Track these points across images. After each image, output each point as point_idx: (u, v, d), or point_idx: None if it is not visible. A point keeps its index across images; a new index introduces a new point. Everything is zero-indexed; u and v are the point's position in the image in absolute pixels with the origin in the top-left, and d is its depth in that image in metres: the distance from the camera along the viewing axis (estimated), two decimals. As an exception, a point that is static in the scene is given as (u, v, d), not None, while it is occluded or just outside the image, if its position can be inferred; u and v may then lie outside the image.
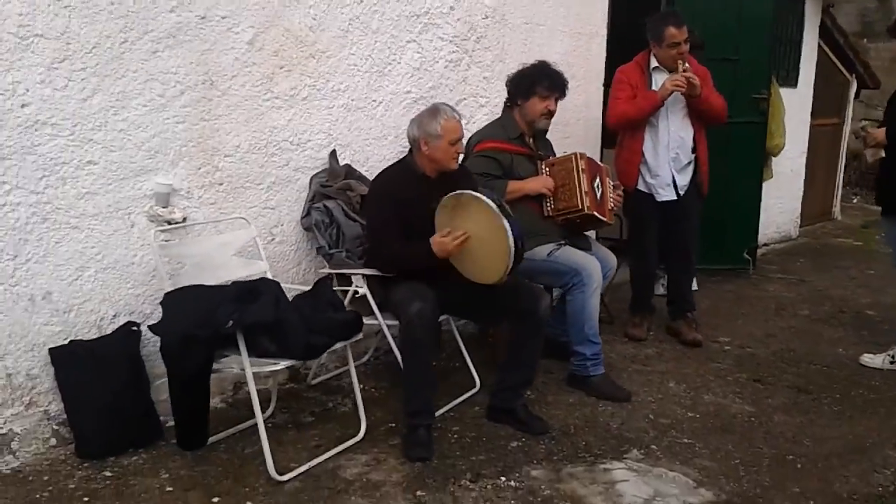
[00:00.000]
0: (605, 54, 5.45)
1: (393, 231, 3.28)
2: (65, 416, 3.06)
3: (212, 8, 3.32)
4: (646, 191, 4.33)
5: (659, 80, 4.24)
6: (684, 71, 4.11)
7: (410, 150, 3.41)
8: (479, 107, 4.58)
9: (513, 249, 3.02)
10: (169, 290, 2.98)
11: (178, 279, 3.11)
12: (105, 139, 3.08)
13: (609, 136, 5.67)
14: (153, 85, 3.19)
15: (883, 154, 3.98)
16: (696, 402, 3.72)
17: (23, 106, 2.85)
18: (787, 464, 3.14)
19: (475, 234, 3.12)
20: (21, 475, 2.87)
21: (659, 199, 4.31)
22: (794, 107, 7.23)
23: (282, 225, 3.73)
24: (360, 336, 3.14)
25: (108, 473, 2.91)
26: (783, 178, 7.38)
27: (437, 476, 2.94)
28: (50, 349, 3.01)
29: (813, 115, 7.97)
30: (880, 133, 3.93)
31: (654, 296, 4.76)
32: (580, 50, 5.23)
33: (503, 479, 2.94)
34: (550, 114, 3.89)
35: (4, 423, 2.94)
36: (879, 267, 6.76)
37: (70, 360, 3.00)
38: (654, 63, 4.28)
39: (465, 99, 4.49)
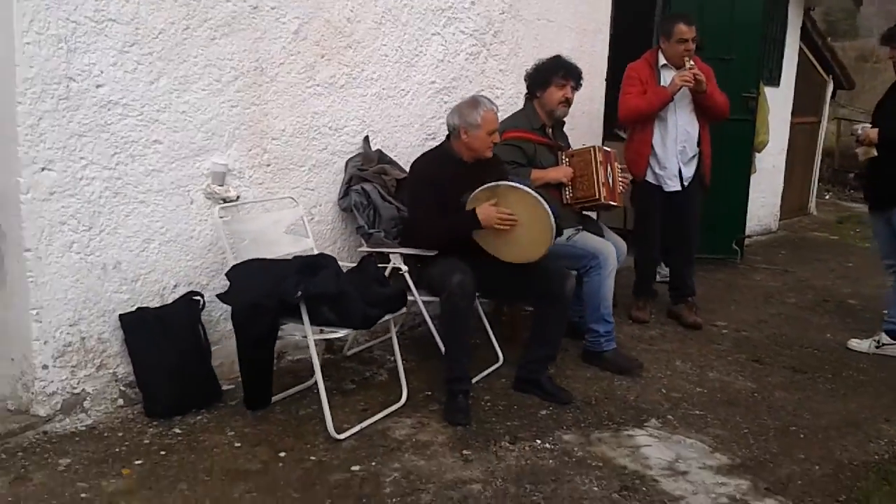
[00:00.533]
0: (608, 50, 5.73)
1: (433, 208, 3.52)
2: (131, 378, 3.28)
3: (264, -1, 3.53)
4: (654, 182, 4.63)
5: (667, 76, 4.54)
6: (691, 68, 4.39)
7: (448, 137, 3.66)
8: (496, 98, 4.77)
9: (554, 230, 3.29)
10: (233, 262, 3.20)
11: (238, 253, 3.32)
12: (169, 120, 3.28)
13: (608, 129, 5.99)
14: (211, 70, 3.40)
15: (875, 153, 4.30)
16: (703, 379, 4.02)
17: (98, 87, 3.04)
18: (790, 434, 3.45)
19: (518, 218, 3.38)
20: (96, 431, 3.08)
21: (667, 190, 4.61)
22: (777, 105, 7.60)
23: (320, 205, 3.95)
24: (405, 310, 3.38)
25: (177, 430, 3.13)
26: (765, 173, 7.76)
27: (478, 438, 3.21)
28: (120, 315, 3.21)
29: (792, 113, 8.34)
30: (874, 133, 4.25)
31: (656, 281, 5.07)
32: (585, 45, 5.50)
33: (538, 441, 3.21)
34: (568, 102, 4.14)
35: (78, 383, 3.14)
36: (856, 260, 7.18)
37: (139, 326, 3.21)
38: (662, 61, 4.57)
39: (482, 90, 4.71)
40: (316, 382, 3.17)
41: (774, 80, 7.77)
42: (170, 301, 3.38)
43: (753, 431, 3.45)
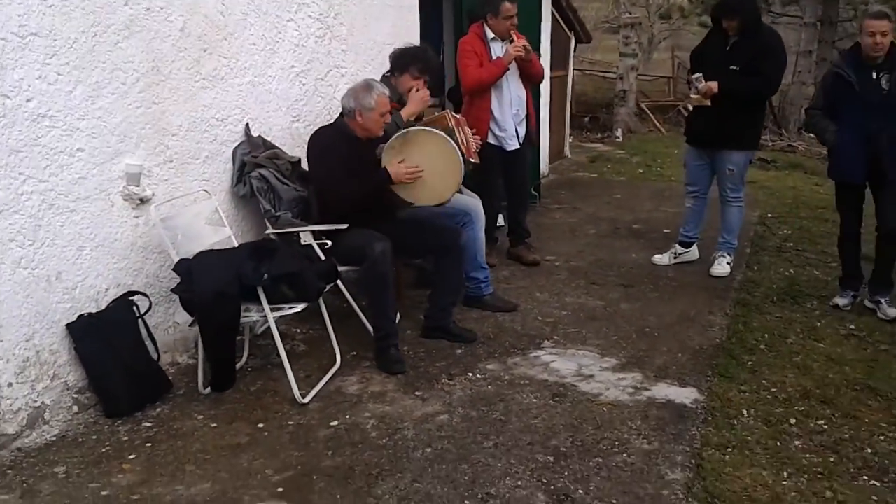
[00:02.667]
0: (419, 25, 6.25)
1: (343, 175, 3.89)
2: (81, 384, 3.36)
3: (154, 0, 3.62)
4: (494, 143, 5.27)
5: (496, 48, 5.18)
6: (519, 41, 5.07)
7: (341, 115, 4.03)
8: (341, 76, 5.18)
9: (462, 162, 3.83)
10: (177, 258, 3.37)
11: (177, 249, 3.48)
12: (87, 127, 3.33)
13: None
14: (118, 74, 3.47)
15: (708, 103, 5.06)
16: (563, 304, 4.80)
17: (28, 101, 3.05)
18: (647, 334, 4.32)
19: (427, 164, 3.86)
20: (68, 439, 3.16)
21: (507, 149, 5.29)
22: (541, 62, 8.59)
23: (216, 195, 4.12)
24: (338, 280, 3.75)
25: (147, 424, 3.28)
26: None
27: (420, 381, 3.70)
28: (67, 324, 3.27)
29: (549, 68, 9.42)
30: (714, 85, 5.00)
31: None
32: (401, 21, 5.97)
33: (470, 374, 3.77)
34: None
35: (38, 396, 3.18)
36: (621, 192, 8.43)
37: (87, 332, 3.29)
38: (490, 35, 5.20)
39: (330, 70, 5.06)
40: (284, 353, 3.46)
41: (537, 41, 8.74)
42: (104, 305, 3.46)
43: (621, 337, 4.27)
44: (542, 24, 8.86)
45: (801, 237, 6.61)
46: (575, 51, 11.24)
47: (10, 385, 3.06)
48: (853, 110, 4.54)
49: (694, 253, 5.66)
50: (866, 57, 4.51)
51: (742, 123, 5.11)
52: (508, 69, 5.11)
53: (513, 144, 5.31)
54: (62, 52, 3.17)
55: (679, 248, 5.64)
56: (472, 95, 5.25)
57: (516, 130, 5.30)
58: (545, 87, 9.18)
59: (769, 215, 7.42)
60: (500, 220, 5.92)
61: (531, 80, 5.39)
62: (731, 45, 5.06)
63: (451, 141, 3.87)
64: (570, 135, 13.40)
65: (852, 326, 4.57)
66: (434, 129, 3.92)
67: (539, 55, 6.76)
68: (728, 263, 5.43)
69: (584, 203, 7.84)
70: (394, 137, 3.89)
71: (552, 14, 9.65)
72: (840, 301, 4.89)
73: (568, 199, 8.08)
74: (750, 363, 4.00)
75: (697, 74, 5.10)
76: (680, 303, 4.82)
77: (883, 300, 4.73)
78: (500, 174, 5.38)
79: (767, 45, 5.00)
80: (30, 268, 3.11)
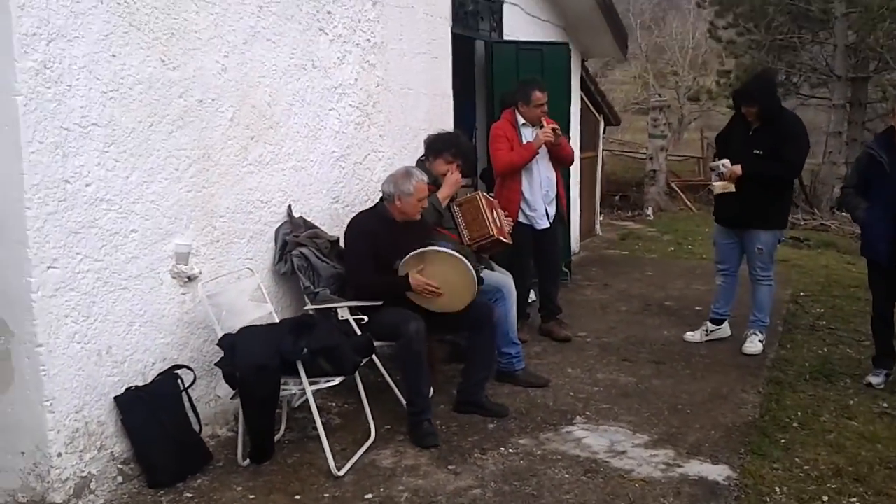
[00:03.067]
0: (452, 110, 6.52)
1: (369, 264, 4.07)
2: (126, 455, 3.48)
3: (206, 93, 3.88)
4: (525, 222, 5.45)
5: (526, 133, 5.41)
6: (549, 126, 5.28)
7: (382, 200, 4.22)
8: (378, 160, 5.42)
9: (476, 284, 3.98)
10: (221, 333, 3.53)
11: (222, 325, 3.64)
12: (142, 210, 3.55)
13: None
14: (171, 160, 3.70)
15: (733, 188, 5.21)
16: (595, 380, 4.86)
17: (87, 185, 3.28)
18: (679, 411, 4.35)
19: (441, 281, 4.01)
20: (113, 508, 3.26)
21: (538, 228, 5.45)
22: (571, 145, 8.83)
23: (258, 273, 4.31)
24: (373, 355, 3.88)
25: (189, 495, 3.38)
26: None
27: (453, 455, 3.77)
28: (115, 397, 3.41)
29: (579, 149, 9.67)
30: (738, 168, 5.17)
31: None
32: (436, 108, 6.25)
33: (502, 449, 3.84)
34: None
35: (85, 466, 3.30)
36: (652, 269, 8.52)
37: (133, 405, 3.43)
38: (521, 120, 5.43)
39: (368, 155, 5.30)
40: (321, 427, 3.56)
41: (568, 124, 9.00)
42: (150, 378, 3.61)
43: (653, 413, 4.31)
44: (572, 108, 9.13)
45: (834, 316, 6.62)
46: (604, 132, 11.50)
47: (59, 455, 3.19)
48: (884, 190, 4.66)
49: (726, 330, 5.71)
50: None
51: (768, 204, 5.22)
52: (538, 153, 5.31)
53: (543, 224, 5.47)
54: (120, 140, 3.42)
55: (711, 326, 5.69)
56: (503, 177, 5.45)
57: (546, 210, 5.47)
58: (575, 168, 9.38)
59: (802, 294, 7.45)
60: (532, 296, 6.02)
61: (562, 163, 5.59)
62: (754, 130, 5.22)
63: (465, 261, 4.02)
64: (601, 213, 13.61)
65: (885, 404, 4.57)
66: (450, 251, 4.08)
67: (569, 138, 6.99)
68: (760, 341, 5.44)
69: (615, 280, 7.93)
70: (410, 256, 4.05)
71: (581, 98, 9.95)
72: (873, 380, 4.89)
73: (599, 276, 8.18)
74: (783, 441, 4.01)
75: (720, 161, 5.25)
76: (712, 380, 4.86)
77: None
78: (532, 252, 5.53)
79: (788, 130, 5.15)
80: (83, 342, 3.28)
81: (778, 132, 5.13)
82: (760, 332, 5.48)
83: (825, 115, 17.37)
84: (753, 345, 5.43)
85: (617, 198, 14.77)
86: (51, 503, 3.19)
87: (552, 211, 5.53)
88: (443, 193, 4.70)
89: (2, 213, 3.07)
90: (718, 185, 5.29)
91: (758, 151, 5.16)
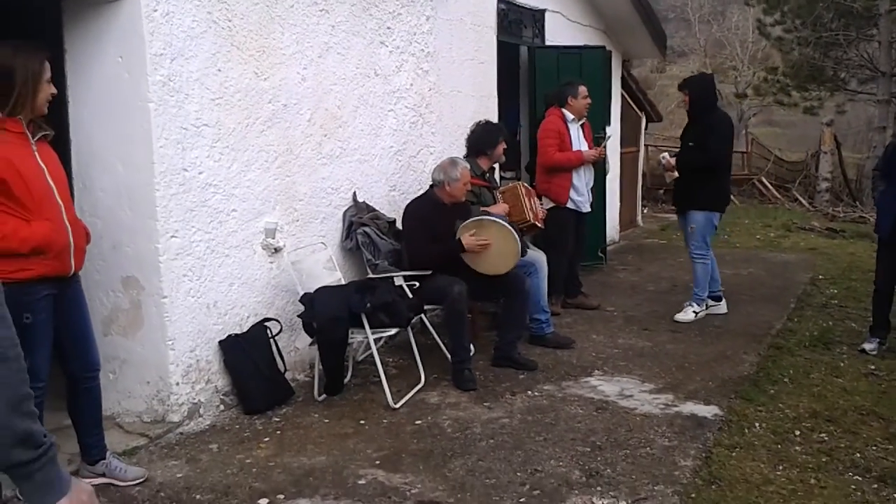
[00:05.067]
0: (497, 110, 7.31)
1: (426, 239, 4.89)
2: (227, 388, 4.37)
3: (289, 99, 4.76)
4: (572, 207, 6.32)
5: (573, 129, 6.30)
6: (600, 152, 6.29)
7: (431, 187, 5.05)
8: (430, 154, 6.24)
9: (520, 248, 4.77)
10: (302, 292, 4.40)
11: (303, 286, 4.52)
12: (240, 193, 4.44)
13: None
14: (262, 154, 4.58)
15: (676, 175, 6.16)
16: (616, 344, 5.61)
17: (200, 174, 4.17)
18: (685, 368, 5.08)
19: (493, 243, 4.80)
20: (217, 427, 4.16)
21: (583, 211, 6.38)
22: (611, 141, 9.52)
23: (329, 247, 5.18)
24: (423, 317, 4.72)
25: (276, 419, 4.26)
26: (607, 196, 9.64)
27: (488, 396, 4.57)
28: (219, 341, 4.31)
29: (620, 145, 10.36)
30: (672, 160, 6.14)
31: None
32: (482, 108, 7.05)
33: (529, 392, 4.63)
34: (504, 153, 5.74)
35: (196, 395, 4.21)
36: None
37: (234, 348, 4.32)
38: (570, 116, 6.29)
39: (421, 150, 6.13)
40: (381, 369, 4.41)
41: (608, 121, 9.70)
42: (246, 328, 4.50)
43: (662, 369, 5.05)
44: (612, 106, 9.86)
45: (847, 296, 7.21)
46: (646, 129, 12.14)
47: (177, 384, 4.10)
48: None
49: (723, 307, 6.44)
50: None
51: (698, 188, 6.05)
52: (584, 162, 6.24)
53: (586, 208, 6.39)
54: (224, 137, 4.30)
55: (710, 302, 6.43)
56: (554, 168, 6.26)
57: (589, 196, 6.38)
58: (616, 164, 10.10)
59: (820, 277, 8.04)
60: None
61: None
62: (689, 124, 6.18)
63: (515, 232, 4.82)
64: (644, 206, 14.21)
65: (873, 367, 5.21)
66: (503, 222, 4.88)
67: (608, 136, 7.80)
68: (694, 312, 6.22)
69: (649, 265, 8.62)
70: (470, 220, 4.86)
71: (623, 97, 10.63)
72: (867, 346, 5.51)
73: (634, 261, 8.88)
74: (771, 392, 4.70)
75: (661, 154, 6.28)
76: (720, 345, 5.56)
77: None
78: (573, 232, 6.34)
79: (713, 124, 6.00)
80: (196, 297, 4.18)
81: (705, 126, 5.98)
82: (697, 304, 6.28)
83: (874, 111, 17.62)
84: (686, 314, 6.23)
85: (661, 191, 15.34)
86: (169, 422, 4.10)
87: (590, 198, 6.41)
88: (492, 211, 5.57)
89: (137, 194, 3.98)
90: (667, 176, 6.23)
91: (690, 143, 6.07)
